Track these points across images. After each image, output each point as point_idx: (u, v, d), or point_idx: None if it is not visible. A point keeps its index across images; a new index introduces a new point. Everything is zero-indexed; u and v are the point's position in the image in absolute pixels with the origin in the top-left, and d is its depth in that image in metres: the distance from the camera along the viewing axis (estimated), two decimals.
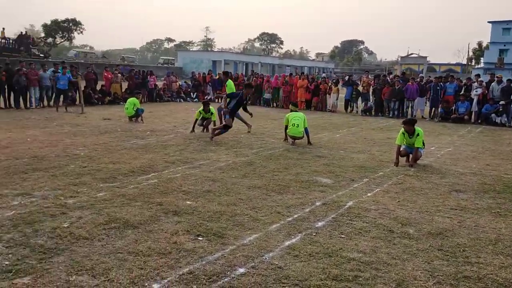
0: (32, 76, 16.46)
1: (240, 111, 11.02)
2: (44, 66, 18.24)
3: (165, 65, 56.74)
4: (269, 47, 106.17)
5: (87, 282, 3.39)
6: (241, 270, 3.69)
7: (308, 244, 4.30)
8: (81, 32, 61.84)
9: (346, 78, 21.13)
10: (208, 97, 22.39)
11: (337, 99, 19.73)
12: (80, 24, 60.83)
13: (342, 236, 4.56)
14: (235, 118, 10.95)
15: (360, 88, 19.51)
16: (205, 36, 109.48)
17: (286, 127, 10.26)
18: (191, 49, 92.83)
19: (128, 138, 10.24)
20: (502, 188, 6.78)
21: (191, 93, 23.19)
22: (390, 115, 17.74)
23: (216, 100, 20.54)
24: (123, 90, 20.10)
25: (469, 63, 69.67)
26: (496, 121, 15.90)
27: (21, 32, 48.86)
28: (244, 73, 35.68)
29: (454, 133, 13.28)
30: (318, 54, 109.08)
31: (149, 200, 5.47)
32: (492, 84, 16.68)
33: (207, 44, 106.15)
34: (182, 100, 22.33)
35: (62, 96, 16.55)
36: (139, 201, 5.45)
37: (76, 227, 4.50)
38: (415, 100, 17.60)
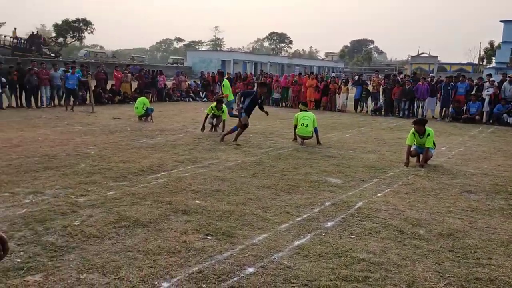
0: (43, 75, 16.62)
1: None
2: (55, 65, 18.40)
3: (174, 65, 56.95)
4: (278, 46, 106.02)
5: (98, 280, 3.42)
6: (250, 270, 3.69)
7: (318, 244, 4.28)
8: (92, 32, 62.24)
9: (356, 77, 21.05)
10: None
11: (346, 98, 19.64)
12: (91, 24, 61.26)
13: (352, 236, 4.54)
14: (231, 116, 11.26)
15: (370, 87, 19.41)
16: (214, 36, 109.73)
17: (296, 127, 10.25)
18: (200, 49, 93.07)
19: (137, 137, 10.30)
20: None
21: (200, 93, 23.26)
22: (400, 115, 17.62)
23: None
24: (133, 90, 20.22)
25: (481, 63, 68.94)
26: (508, 121, 15.71)
27: (32, 32, 49.33)
28: (253, 73, 35.65)
29: (465, 134, 13.15)
30: (327, 54, 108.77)
31: (159, 199, 5.50)
32: (504, 84, 16.49)
33: (216, 44, 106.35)
34: (191, 100, 22.40)
35: (70, 96, 16.65)
36: (149, 200, 5.48)
37: (86, 225, 4.54)
38: (426, 100, 17.47)
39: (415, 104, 17.75)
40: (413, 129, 8.23)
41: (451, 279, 3.68)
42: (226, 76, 23.45)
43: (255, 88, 21.56)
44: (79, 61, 29.96)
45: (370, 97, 19.22)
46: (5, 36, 44.61)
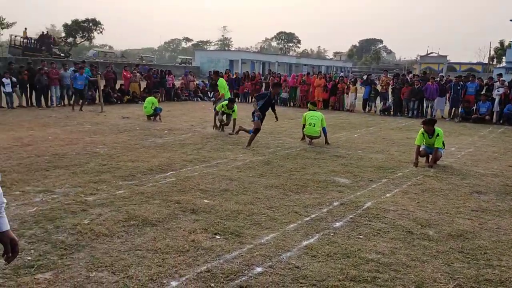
0: (53, 75, 16.78)
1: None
2: (65, 65, 18.56)
3: (182, 65, 57.09)
4: (286, 46, 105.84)
5: (107, 279, 3.44)
6: (259, 269, 3.69)
7: (326, 244, 4.27)
8: (101, 32, 62.67)
9: (365, 77, 20.94)
10: None
11: (355, 98, 19.56)
12: (100, 24, 61.67)
13: (361, 236, 4.52)
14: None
15: (378, 87, 19.31)
16: (222, 36, 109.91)
17: (304, 126, 10.24)
18: (208, 49, 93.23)
19: (146, 136, 10.35)
20: None
21: (208, 92, 23.29)
22: (409, 115, 17.51)
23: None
24: (141, 89, 20.33)
25: (491, 62, 68.28)
26: None
27: (43, 32, 49.76)
28: (261, 72, 35.65)
29: (475, 134, 13.04)
30: (335, 53, 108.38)
31: (167, 198, 5.52)
32: None
33: (224, 44, 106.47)
34: (199, 99, 22.46)
35: (77, 96, 16.75)
36: (157, 199, 5.50)
37: (96, 224, 4.57)
38: (435, 99, 17.35)
39: (424, 104, 17.64)
40: (422, 129, 8.18)
41: (460, 280, 3.65)
42: (232, 76, 23.59)
43: (263, 88, 21.70)
44: (89, 61, 30.19)
45: (378, 97, 19.12)
46: (15, 36, 45.11)
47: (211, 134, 11.03)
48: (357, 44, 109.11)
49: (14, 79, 15.78)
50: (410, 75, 20.34)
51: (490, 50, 68.58)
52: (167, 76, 21.70)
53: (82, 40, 63.67)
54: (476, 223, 5.08)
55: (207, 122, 13.25)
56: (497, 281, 3.65)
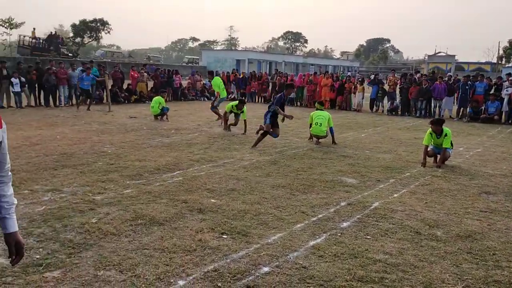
0: (61, 75, 16.89)
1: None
2: (73, 65, 18.68)
3: (189, 64, 57.19)
4: (293, 46, 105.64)
5: (115, 277, 3.46)
6: (266, 269, 3.69)
7: (333, 244, 4.26)
8: (108, 32, 62.92)
9: (372, 76, 20.85)
10: (232, 96, 22.50)
11: (362, 98, 19.48)
12: (108, 24, 61.94)
13: (368, 237, 4.50)
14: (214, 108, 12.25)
15: (386, 87, 19.22)
16: (229, 35, 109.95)
17: (311, 126, 10.23)
18: (215, 48, 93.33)
19: (153, 136, 10.38)
20: None
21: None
22: (417, 115, 17.41)
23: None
24: (148, 89, 20.40)
25: (500, 62, 67.67)
26: None
27: (51, 32, 50.14)
28: (268, 72, 35.61)
29: (483, 134, 12.93)
30: (343, 53, 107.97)
31: (174, 198, 5.54)
32: None
33: (231, 43, 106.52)
34: (206, 99, 22.47)
35: (84, 96, 16.83)
36: (165, 198, 5.52)
37: (104, 223, 4.59)
38: (443, 99, 17.23)
39: (432, 104, 17.52)
40: (430, 129, 8.13)
41: (469, 281, 3.62)
42: (239, 75, 23.58)
43: (270, 88, 21.66)
44: (97, 61, 30.33)
45: (386, 97, 19.03)
46: (24, 36, 45.44)
47: (218, 134, 11.04)
48: (365, 44, 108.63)
49: (23, 78, 15.91)
50: (418, 75, 20.22)
51: (498, 49, 67.94)
52: (174, 76, 21.76)
53: (90, 40, 63.99)
54: (485, 223, 5.04)
55: (214, 122, 13.28)
56: (506, 283, 3.62)
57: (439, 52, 73.31)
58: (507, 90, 16.27)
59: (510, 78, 17.06)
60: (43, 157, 7.63)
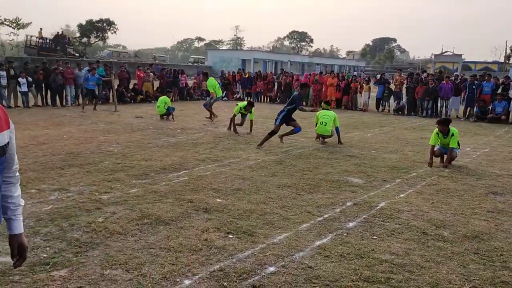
0: (68, 75, 16.99)
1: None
2: (80, 65, 18.78)
3: (195, 64, 57.31)
4: (298, 45, 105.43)
5: (121, 276, 3.47)
6: (271, 269, 3.69)
7: (339, 244, 4.25)
8: (115, 32, 63.10)
9: (378, 76, 20.77)
10: (238, 96, 22.52)
11: (368, 97, 19.42)
12: (114, 24, 62.14)
13: (374, 237, 4.49)
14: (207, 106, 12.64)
15: (392, 86, 19.14)
16: (234, 35, 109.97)
17: (316, 125, 10.22)
18: (220, 48, 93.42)
19: (159, 135, 10.41)
20: None
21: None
22: (424, 115, 17.32)
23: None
24: (154, 89, 20.46)
25: (507, 61, 67.17)
26: None
27: (58, 32, 50.39)
28: (273, 72, 35.60)
29: (490, 134, 12.85)
30: (348, 52, 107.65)
31: (180, 197, 5.55)
32: None
33: (237, 43, 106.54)
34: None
35: (89, 96, 16.89)
36: (171, 197, 5.53)
37: (110, 222, 4.61)
38: (450, 99, 17.13)
39: (439, 104, 17.42)
40: (436, 129, 8.09)
41: (476, 282, 3.60)
42: (245, 75, 23.58)
43: (276, 88, 21.61)
44: (103, 61, 30.47)
45: (392, 96, 18.95)
46: (31, 37, 45.72)
47: (223, 134, 11.05)
48: (371, 43, 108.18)
49: (29, 78, 16.02)
50: (425, 74, 20.11)
51: (506, 48, 67.45)
52: (180, 75, 21.80)
53: (96, 40, 64.25)
54: (492, 224, 5.01)
55: (219, 122, 13.29)
56: None
57: (446, 52, 72.89)
58: None
59: None
60: (50, 156, 7.68)
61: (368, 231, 4.65)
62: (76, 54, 47.97)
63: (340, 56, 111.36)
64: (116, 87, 17.40)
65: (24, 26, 54.36)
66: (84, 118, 13.18)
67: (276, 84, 22.32)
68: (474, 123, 15.54)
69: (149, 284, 3.36)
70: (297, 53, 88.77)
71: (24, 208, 2.39)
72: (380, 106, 19.26)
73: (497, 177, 7.34)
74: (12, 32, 54.49)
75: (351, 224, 4.83)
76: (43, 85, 16.68)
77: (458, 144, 8.15)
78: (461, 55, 67.90)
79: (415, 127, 14.05)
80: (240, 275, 3.56)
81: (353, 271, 3.69)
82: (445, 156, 8.09)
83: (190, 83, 23.62)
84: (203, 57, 67.15)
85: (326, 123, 9.93)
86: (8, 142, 1.98)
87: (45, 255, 3.78)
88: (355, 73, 36.66)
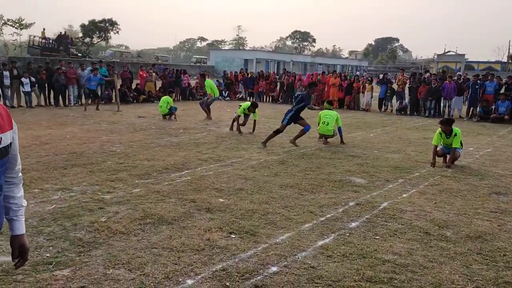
0: (71, 75, 17.05)
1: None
2: (82, 65, 18.83)
3: (197, 64, 57.37)
4: (301, 45, 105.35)
5: (124, 276, 3.48)
6: (274, 269, 3.69)
7: (342, 244, 4.25)
8: (117, 32, 63.22)
9: (381, 76, 20.74)
10: (240, 95, 22.53)
11: (371, 97, 19.39)
12: (116, 24, 62.24)
13: (377, 237, 4.48)
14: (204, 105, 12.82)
15: (395, 86, 19.11)
16: (237, 35, 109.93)
17: (319, 125, 10.22)
18: (223, 48, 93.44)
19: (162, 135, 10.42)
20: None
21: (223, 92, 23.34)
22: (426, 115, 17.29)
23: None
24: (157, 89, 20.49)
25: (510, 61, 66.95)
26: None
27: (60, 32, 50.52)
28: (275, 72, 35.58)
29: (493, 134, 12.81)
30: (351, 52, 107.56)
31: (183, 197, 5.55)
32: None
33: (239, 43, 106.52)
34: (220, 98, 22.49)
35: (91, 96, 16.91)
36: (173, 197, 5.54)
37: (113, 221, 4.62)
38: (453, 99, 17.09)
39: (442, 103, 17.39)
40: (439, 129, 8.07)
41: (479, 282, 3.59)
42: (247, 75, 23.57)
43: (278, 88, 21.60)
44: (106, 61, 30.52)
45: (395, 96, 18.92)
46: (34, 37, 45.88)
47: (226, 134, 11.06)
48: (373, 43, 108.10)
49: (33, 78, 16.07)
50: (427, 74, 20.08)
51: (509, 48, 67.27)
52: (182, 75, 21.84)
53: (99, 40, 64.36)
54: (495, 224, 4.99)
55: (222, 121, 13.30)
56: None
57: (449, 51, 72.73)
58: None
59: None
60: (53, 156, 7.70)
61: (370, 231, 4.64)
62: (79, 54, 48.09)
63: (342, 56, 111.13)
64: (118, 87, 17.44)
65: (27, 26, 54.51)
66: (87, 118, 13.21)
67: (278, 84, 22.32)
68: (477, 123, 15.51)
69: (152, 284, 3.37)
70: (300, 53, 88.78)
71: (27, 208, 2.39)
72: (383, 106, 19.21)
73: (500, 177, 7.32)
74: (15, 32, 54.67)
75: (353, 224, 4.82)
76: (46, 85, 16.74)
77: (461, 144, 8.13)
78: (464, 55, 67.74)
79: (417, 127, 14.02)
80: (243, 275, 3.56)
81: (355, 271, 3.69)
82: (448, 156, 8.08)
83: (193, 83, 23.65)
84: (206, 57, 67.19)
85: (328, 123, 9.93)
86: (10, 143, 1.96)
87: (48, 255, 3.80)
88: (357, 73, 36.60)
